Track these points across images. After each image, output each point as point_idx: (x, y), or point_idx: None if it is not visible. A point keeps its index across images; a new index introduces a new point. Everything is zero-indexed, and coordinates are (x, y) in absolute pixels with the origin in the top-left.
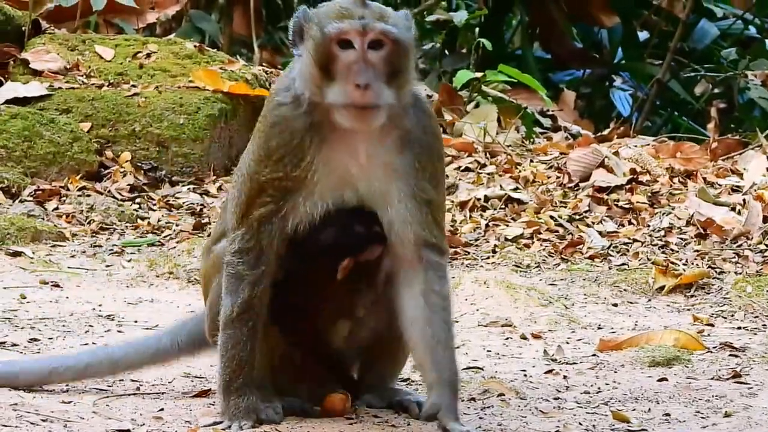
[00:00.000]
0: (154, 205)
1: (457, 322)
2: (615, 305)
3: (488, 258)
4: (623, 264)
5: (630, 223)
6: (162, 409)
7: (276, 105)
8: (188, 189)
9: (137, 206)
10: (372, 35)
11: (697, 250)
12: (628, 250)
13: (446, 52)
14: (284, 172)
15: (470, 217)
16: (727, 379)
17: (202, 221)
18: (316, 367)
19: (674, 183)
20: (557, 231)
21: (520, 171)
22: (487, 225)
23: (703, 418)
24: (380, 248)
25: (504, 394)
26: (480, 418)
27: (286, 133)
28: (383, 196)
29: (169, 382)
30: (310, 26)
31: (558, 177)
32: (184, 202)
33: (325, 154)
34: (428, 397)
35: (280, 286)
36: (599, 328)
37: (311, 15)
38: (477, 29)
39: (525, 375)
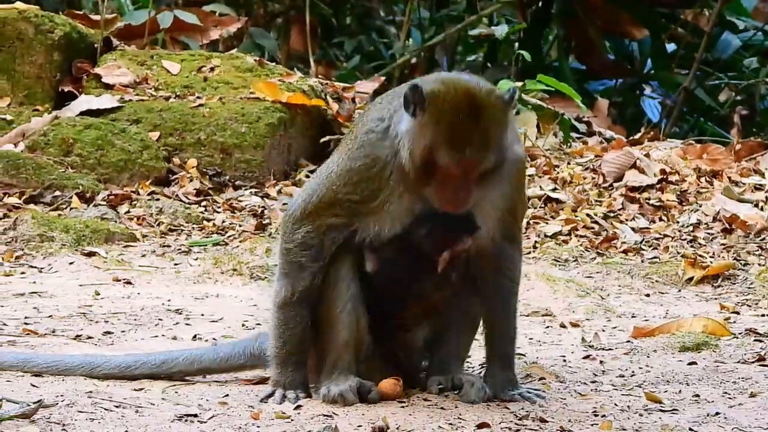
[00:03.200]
0: (219, 207)
1: None
2: (647, 295)
3: (529, 253)
4: (655, 257)
5: (660, 219)
6: (227, 395)
7: (368, 130)
8: (250, 192)
9: (203, 209)
10: (474, 173)
11: (723, 244)
12: (659, 245)
13: (488, 64)
14: (361, 196)
15: None
16: (753, 362)
17: (263, 222)
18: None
19: (701, 182)
20: (593, 228)
21: (558, 172)
22: (528, 223)
23: (730, 398)
24: (470, 240)
25: (545, 378)
26: (524, 399)
27: (369, 159)
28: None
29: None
30: (418, 125)
31: (593, 178)
32: (246, 205)
33: (404, 190)
34: (485, 371)
35: (374, 280)
36: (633, 317)
37: (416, 102)
38: (517, 43)
39: (564, 360)
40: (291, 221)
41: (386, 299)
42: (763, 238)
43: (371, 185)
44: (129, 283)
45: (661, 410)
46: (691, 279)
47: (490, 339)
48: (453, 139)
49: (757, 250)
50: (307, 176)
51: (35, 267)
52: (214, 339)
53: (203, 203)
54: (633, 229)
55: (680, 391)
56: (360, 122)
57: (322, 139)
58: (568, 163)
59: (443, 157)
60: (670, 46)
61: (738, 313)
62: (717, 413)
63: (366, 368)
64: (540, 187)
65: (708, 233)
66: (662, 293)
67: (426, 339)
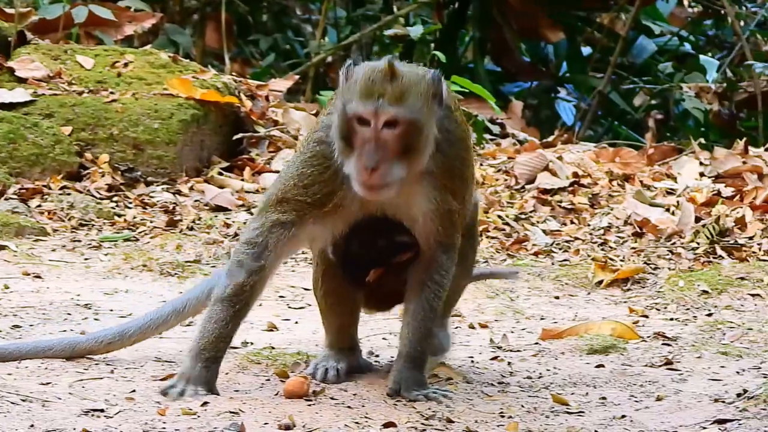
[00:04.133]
0: (130, 203)
1: None
2: (557, 298)
3: None
4: (565, 260)
5: (572, 222)
6: (134, 391)
7: (317, 139)
8: (162, 189)
9: (114, 204)
10: (384, 117)
11: (633, 248)
12: (569, 247)
13: None
14: (312, 198)
15: None
16: (660, 366)
17: (175, 218)
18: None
19: (613, 186)
20: (504, 229)
21: None
22: None
23: (636, 401)
24: (409, 253)
25: (452, 378)
26: (429, 400)
27: (320, 167)
28: (409, 213)
29: (141, 366)
30: (341, 92)
31: (506, 179)
32: (157, 201)
33: (354, 193)
34: (393, 367)
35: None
36: (542, 319)
37: (344, 80)
38: (432, 44)
39: (472, 361)
40: (249, 222)
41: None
42: (674, 243)
43: (324, 189)
44: (38, 277)
45: (568, 412)
46: (600, 282)
47: (404, 336)
48: (366, 90)
49: (667, 255)
50: (220, 173)
51: None
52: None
53: (115, 198)
54: (544, 231)
55: (587, 393)
56: (311, 131)
57: (235, 137)
58: (481, 165)
59: (356, 106)
60: (586, 50)
61: (647, 316)
62: (623, 416)
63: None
64: None
65: (619, 237)
66: (572, 296)
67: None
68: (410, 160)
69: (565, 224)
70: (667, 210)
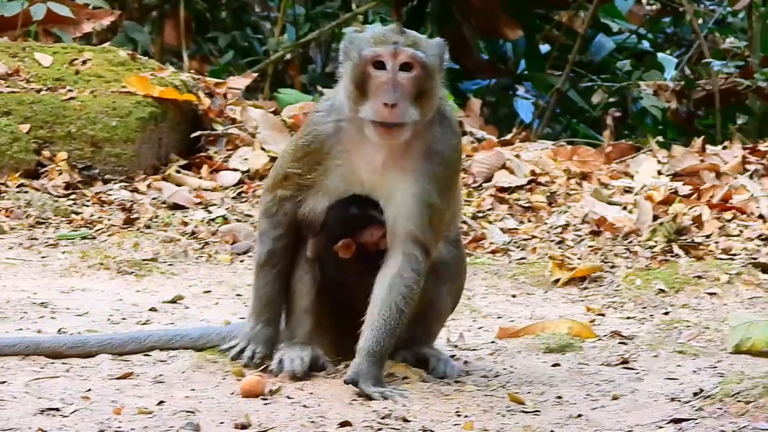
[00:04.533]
0: (88, 201)
1: None
2: (514, 296)
3: None
4: (522, 258)
5: (529, 220)
6: (90, 390)
7: (315, 110)
8: (119, 187)
9: (72, 202)
10: (402, 57)
11: (590, 246)
12: (527, 246)
13: None
14: (302, 170)
15: None
16: (616, 365)
17: (132, 216)
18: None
19: (571, 184)
20: (462, 227)
21: None
22: None
23: (593, 400)
24: (379, 232)
25: (408, 378)
26: (385, 398)
27: (311, 136)
28: (389, 193)
29: (97, 365)
30: (352, 48)
31: (463, 177)
32: (115, 199)
33: (343, 160)
34: (353, 361)
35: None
36: (499, 317)
37: (354, 38)
38: None
39: None
40: (262, 195)
41: (337, 288)
42: (631, 241)
43: (312, 159)
44: None
45: (524, 411)
46: (557, 280)
47: (366, 331)
48: (381, 38)
49: (625, 253)
50: (178, 171)
51: None
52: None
53: (72, 196)
54: (501, 229)
55: (543, 392)
56: (312, 111)
57: (193, 134)
58: None
59: (374, 50)
60: (544, 48)
61: (603, 315)
62: (579, 415)
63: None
64: None
65: (576, 235)
66: (529, 294)
67: None
68: (422, 106)
69: (522, 222)
70: (625, 208)
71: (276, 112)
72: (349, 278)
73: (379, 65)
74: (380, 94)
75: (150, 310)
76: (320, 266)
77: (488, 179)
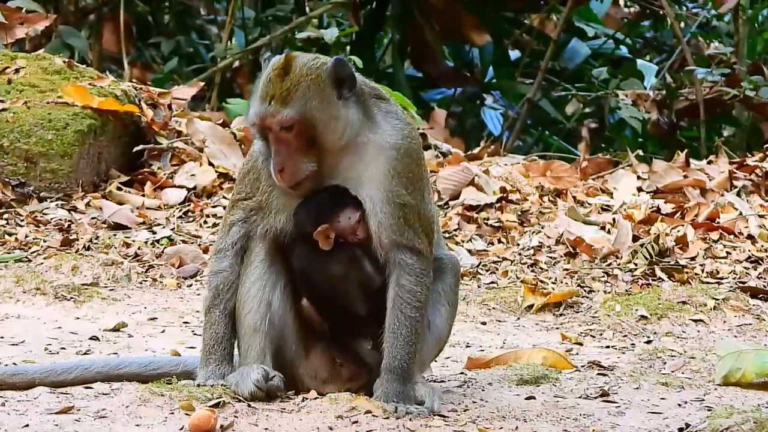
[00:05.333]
0: (22, 221)
1: None
2: (483, 323)
3: None
4: (492, 282)
5: (500, 241)
6: (27, 425)
7: (256, 145)
8: (56, 205)
9: (4, 222)
10: (275, 123)
11: (566, 269)
12: (497, 269)
13: None
14: (245, 193)
15: None
16: (595, 397)
17: (70, 237)
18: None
19: (544, 202)
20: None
21: None
22: None
23: None
24: (356, 214)
25: (371, 412)
26: (408, 413)
27: (250, 156)
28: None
29: (35, 398)
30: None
31: None
32: (51, 219)
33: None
34: (378, 379)
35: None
36: (468, 347)
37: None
38: (348, 47)
39: None
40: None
41: (319, 301)
42: (610, 264)
43: (252, 178)
44: None
45: None
46: (531, 306)
47: (384, 350)
48: (260, 92)
49: (603, 277)
50: (119, 188)
51: None
52: (14, 364)
53: (5, 216)
54: (470, 251)
55: (517, 427)
56: None
57: (136, 148)
58: None
59: (251, 115)
60: (514, 54)
61: (581, 344)
62: None
63: (330, 375)
64: None
65: (550, 257)
66: (500, 321)
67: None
68: (319, 152)
69: (492, 243)
70: (603, 228)
71: (225, 124)
72: (331, 272)
73: (264, 132)
74: (273, 158)
75: (91, 338)
76: (305, 270)
77: (455, 197)
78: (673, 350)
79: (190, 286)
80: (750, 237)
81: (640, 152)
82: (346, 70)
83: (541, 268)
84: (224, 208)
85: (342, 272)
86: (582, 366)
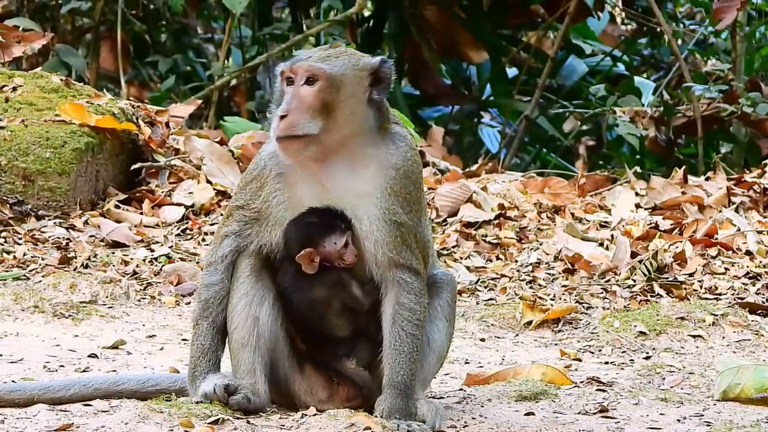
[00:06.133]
0: (20, 239)
1: None
2: (482, 340)
3: None
4: (491, 299)
5: (498, 258)
6: None
7: (259, 153)
8: (54, 223)
9: (3, 240)
10: (303, 71)
11: (564, 286)
12: (495, 285)
13: None
14: (245, 200)
15: None
16: (594, 413)
17: (68, 255)
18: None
19: (542, 218)
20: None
21: None
22: None
23: None
24: (342, 239)
25: (370, 428)
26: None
27: (253, 163)
28: (353, 216)
29: (34, 416)
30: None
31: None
32: (49, 237)
33: (283, 187)
34: (380, 396)
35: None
36: (466, 363)
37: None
38: None
39: None
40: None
41: (308, 322)
42: (608, 280)
43: (254, 185)
44: None
45: None
46: (529, 323)
47: (384, 367)
48: (297, 55)
49: (601, 293)
50: (117, 206)
51: None
52: (13, 381)
53: (3, 234)
54: (468, 268)
55: None
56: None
57: (133, 166)
58: None
59: (283, 66)
60: (511, 71)
61: (580, 360)
62: None
63: (329, 395)
64: None
65: (549, 274)
66: (498, 338)
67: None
68: (328, 120)
69: (490, 260)
70: (601, 245)
71: (222, 142)
72: (313, 295)
73: (290, 81)
74: (282, 105)
75: (89, 356)
76: (286, 290)
77: (453, 214)
78: (672, 366)
79: (189, 303)
80: (748, 253)
81: (638, 169)
82: (389, 73)
83: (540, 285)
84: None
85: (325, 296)
86: (581, 382)
